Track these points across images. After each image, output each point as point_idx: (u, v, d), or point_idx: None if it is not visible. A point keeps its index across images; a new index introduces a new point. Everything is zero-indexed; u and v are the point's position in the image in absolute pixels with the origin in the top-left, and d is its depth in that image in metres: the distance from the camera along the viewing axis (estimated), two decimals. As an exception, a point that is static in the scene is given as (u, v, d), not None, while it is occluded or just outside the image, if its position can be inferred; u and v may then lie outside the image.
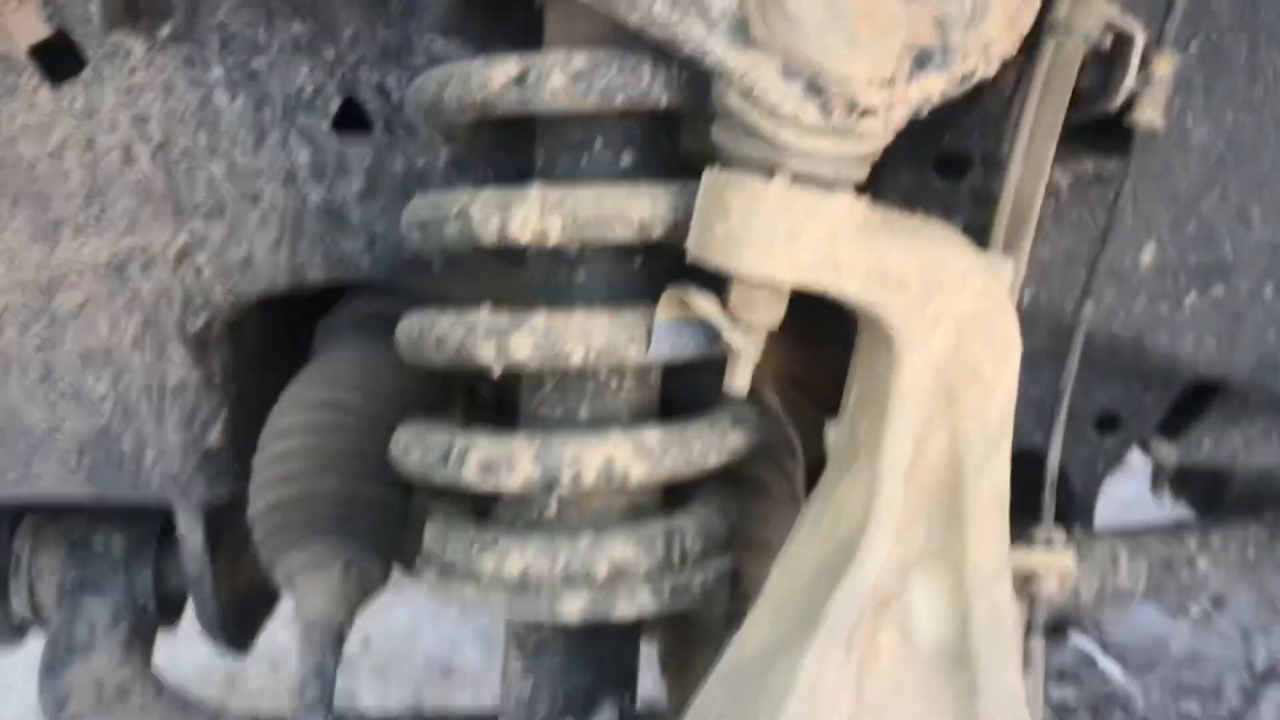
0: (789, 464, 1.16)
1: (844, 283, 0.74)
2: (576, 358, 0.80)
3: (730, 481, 0.97)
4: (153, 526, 1.33)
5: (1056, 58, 0.80)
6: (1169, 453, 1.32)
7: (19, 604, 1.32)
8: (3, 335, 1.08)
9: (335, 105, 1.02)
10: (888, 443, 0.75)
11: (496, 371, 0.82)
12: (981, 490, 0.75)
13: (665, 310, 0.79)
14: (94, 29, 0.99)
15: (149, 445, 1.14)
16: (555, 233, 0.79)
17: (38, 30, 1.00)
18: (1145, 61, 0.86)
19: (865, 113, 0.72)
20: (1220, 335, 1.13)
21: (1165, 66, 0.86)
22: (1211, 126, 1.04)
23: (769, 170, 0.74)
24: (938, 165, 0.99)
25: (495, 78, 0.78)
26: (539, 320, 0.80)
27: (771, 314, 0.77)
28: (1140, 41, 0.84)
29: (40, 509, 1.36)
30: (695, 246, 0.76)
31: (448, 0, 0.89)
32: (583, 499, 0.87)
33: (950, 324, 0.75)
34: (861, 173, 0.76)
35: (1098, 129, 0.92)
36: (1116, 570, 1.11)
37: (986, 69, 0.77)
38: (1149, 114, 0.87)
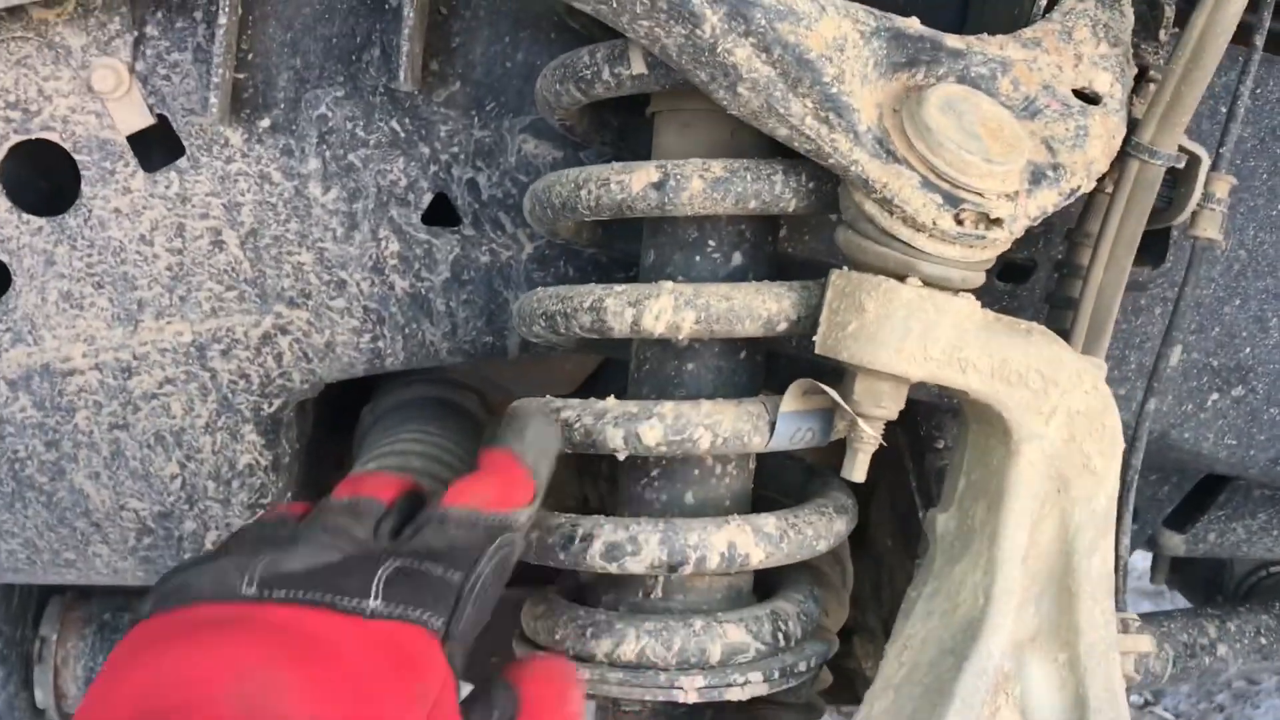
0: (842, 550, 1.21)
1: (969, 379, 0.79)
2: (704, 445, 0.84)
3: (806, 568, 1.01)
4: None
5: (1140, 176, 0.88)
6: (1177, 543, 1.39)
7: (43, 694, 1.29)
8: (76, 416, 1.08)
9: (427, 200, 1.06)
10: (1005, 528, 0.80)
11: (623, 456, 0.85)
12: (1092, 573, 0.80)
13: (791, 402, 0.83)
14: (197, 121, 1.02)
15: (212, 527, 1.14)
16: (687, 327, 0.83)
17: (140, 119, 1.02)
18: (1204, 182, 0.94)
19: (995, 223, 0.78)
20: (1239, 433, 1.21)
21: (1223, 188, 0.94)
22: (1235, 241, 1.14)
23: (900, 273, 0.79)
24: (1001, 272, 1.06)
25: (636, 182, 0.83)
26: (667, 409, 0.84)
27: (894, 407, 0.82)
28: (1207, 163, 0.93)
29: (67, 590, 1.34)
30: (825, 342, 0.81)
31: (556, 106, 0.94)
32: (689, 583, 0.90)
33: (1063, 418, 0.80)
34: (981, 278, 0.82)
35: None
36: (1149, 657, 1.17)
37: (1088, 185, 0.84)
38: (1208, 230, 0.95)
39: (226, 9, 0.96)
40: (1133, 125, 0.89)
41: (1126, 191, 0.89)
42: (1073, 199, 0.84)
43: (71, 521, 1.12)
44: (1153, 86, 0.93)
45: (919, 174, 0.77)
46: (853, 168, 0.77)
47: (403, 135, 1.05)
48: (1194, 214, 0.95)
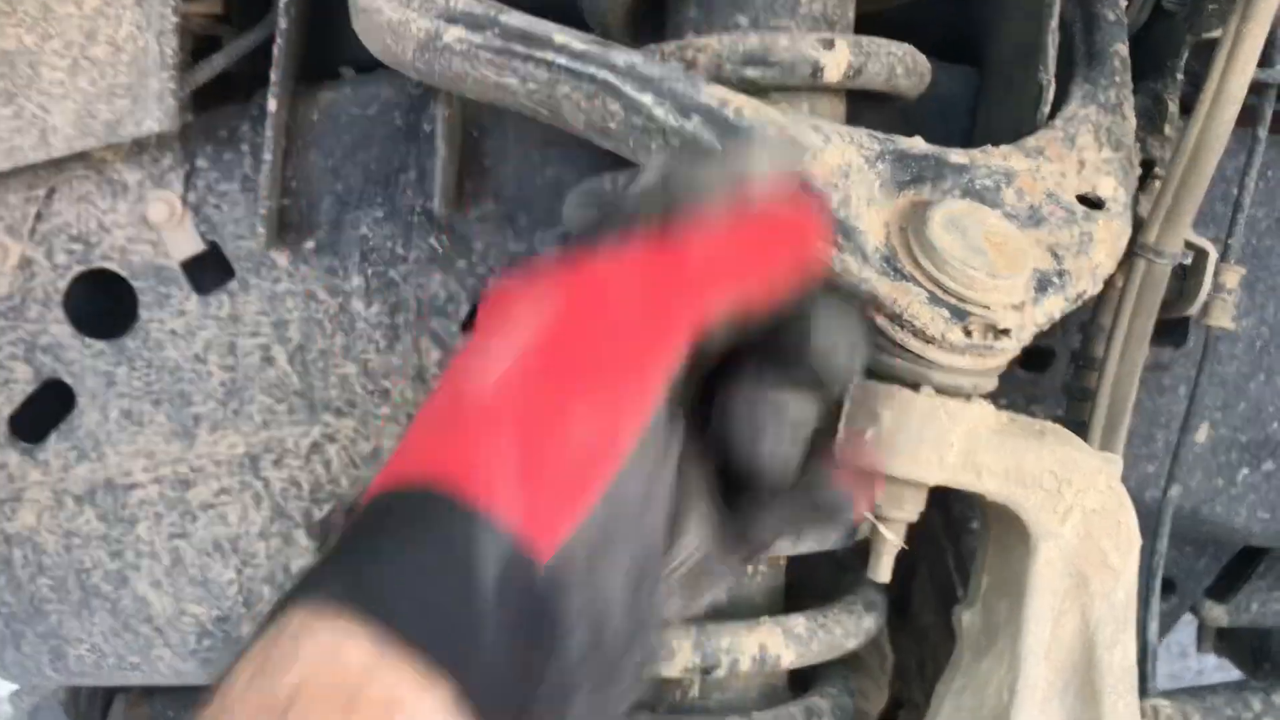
0: (878, 635, 1.23)
1: (985, 482, 0.82)
2: (733, 552, 0.87)
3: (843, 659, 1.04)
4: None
5: (1148, 275, 0.91)
6: (1219, 614, 1.40)
7: (110, 788, 1.34)
8: (138, 527, 1.14)
9: (465, 310, 1.11)
10: (1028, 625, 0.82)
11: None
12: (1114, 666, 0.82)
13: (815, 507, 0.86)
14: (246, 245, 1.08)
15: (268, 629, 1.19)
16: (712, 437, 0.87)
17: (192, 245, 1.09)
18: (1215, 272, 0.97)
19: (1003, 333, 0.81)
20: (1272, 506, 1.22)
21: (1233, 278, 0.97)
22: (1256, 318, 1.16)
23: (913, 382, 0.83)
24: (1023, 360, 1.09)
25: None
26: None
27: (915, 509, 0.85)
28: (1214, 257, 0.95)
29: (133, 688, 1.39)
30: (843, 450, 0.84)
31: (577, 220, 0.99)
32: (724, 682, 0.93)
33: (1079, 517, 0.83)
34: (993, 383, 0.85)
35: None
36: (1189, 735, 1.18)
37: (1094, 289, 0.87)
38: (1220, 320, 0.98)
39: (271, 146, 1.02)
40: (1139, 225, 0.92)
41: (1135, 290, 0.91)
42: (1079, 303, 0.86)
43: (135, 627, 1.17)
44: (1158, 183, 0.96)
45: (926, 290, 0.80)
46: (862, 285, 0.81)
47: (440, 251, 1.10)
48: (1205, 304, 0.97)
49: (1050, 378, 1.09)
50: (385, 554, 0.54)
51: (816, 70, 0.85)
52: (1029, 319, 0.83)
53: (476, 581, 0.53)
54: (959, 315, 0.81)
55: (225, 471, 1.13)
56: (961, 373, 0.82)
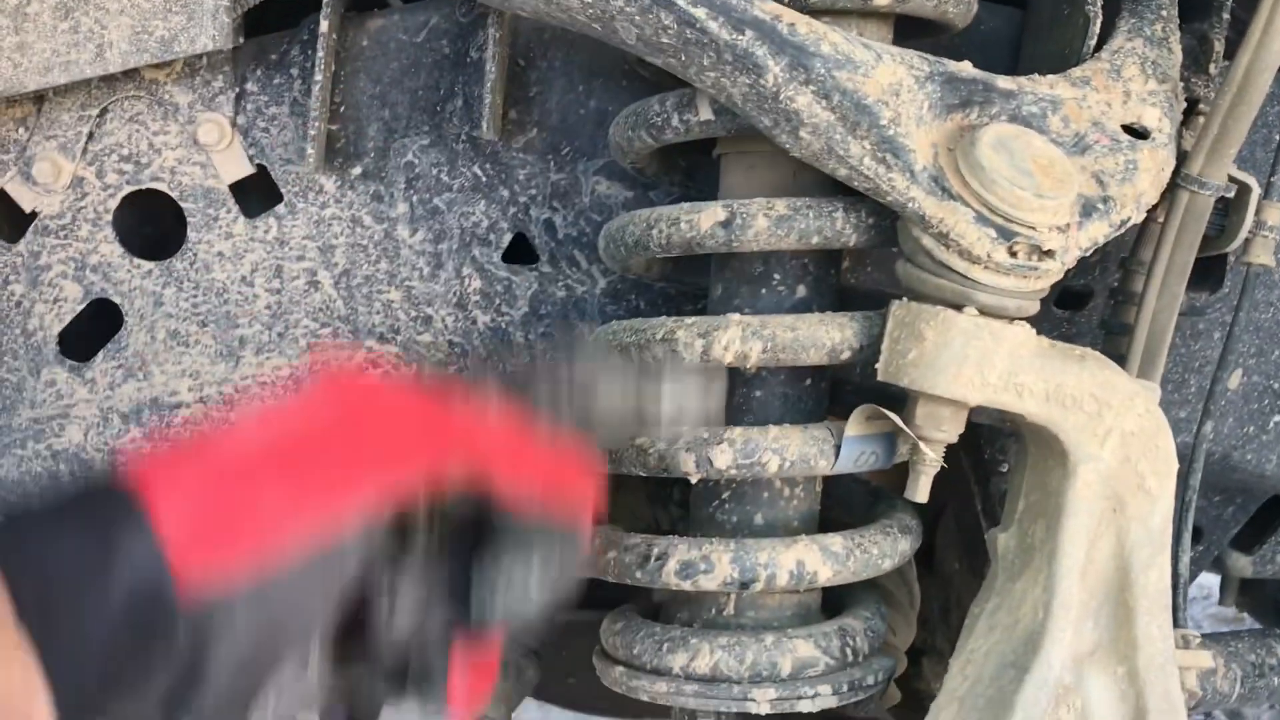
0: (908, 571, 1.24)
1: (1025, 403, 0.83)
2: (772, 468, 0.88)
3: (873, 586, 1.05)
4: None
5: (1190, 206, 0.91)
6: (1244, 565, 1.40)
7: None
8: (183, 446, 1.15)
9: (507, 239, 1.12)
10: (1064, 546, 0.83)
11: (694, 479, 0.90)
12: (1149, 588, 0.83)
13: (855, 426, 0.88)
14: (294, 170, 1.09)
15: (307, 551, 1.21)
16: (755, 356, 0.88)
17: (241, 168, 1.10)
18: (1256, 209, 0.97)
19: (1047, 254, 0.82)
20: (1303, 455, 1.23)
21: (1275, 215, 0.97)
22: (1294, 265, 1.16)
23: (958, 303, 0.84)
24: (1059, 299, 1.09)
25: (704, 221, 0.89)
26: (736, 434, 0.89)
27: (954, 430, 0.86)
28: (1257, 192, 0.96)
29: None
30: (887, 369, 0.86)
31: (629, 151, 0.99)
32: (759, 600, 0.94)
33: (1118, 440, 0.84)
34: (1036, 306, 0.86)
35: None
36: (1215, 676, 1.19)
37: (1138, 216, 0.88)
38: (1260, 257, 0.98)
39: (321, 67, 1.03)
40: (1182, 157, 0.92)
41: (1177, 222, 0.92)
42: (1123, 230, 0.87)
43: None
44: (1202, 119, 0.97)
45: (973, 210, 0.81)
46: (909, 204, 0.82)
47: (484, 180, 1.11)
48: (1246, 241, 0.98)
49: (1087, 316, 1.10)
50: (48, 522, 0.63)
51: (867, -7, 0.86)
52: (1073, 242, 0.83)
53: (113, 571, 0.60)
54: (1005, 235, 0.82)
55: (269, 394, 1.14)
56: (1006, 293, 0.83)
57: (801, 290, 0.94)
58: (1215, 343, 1.17)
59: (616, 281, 1.13)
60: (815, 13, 0.88)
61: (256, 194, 1.12)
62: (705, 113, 0.89)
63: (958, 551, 1.45)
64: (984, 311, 0.83)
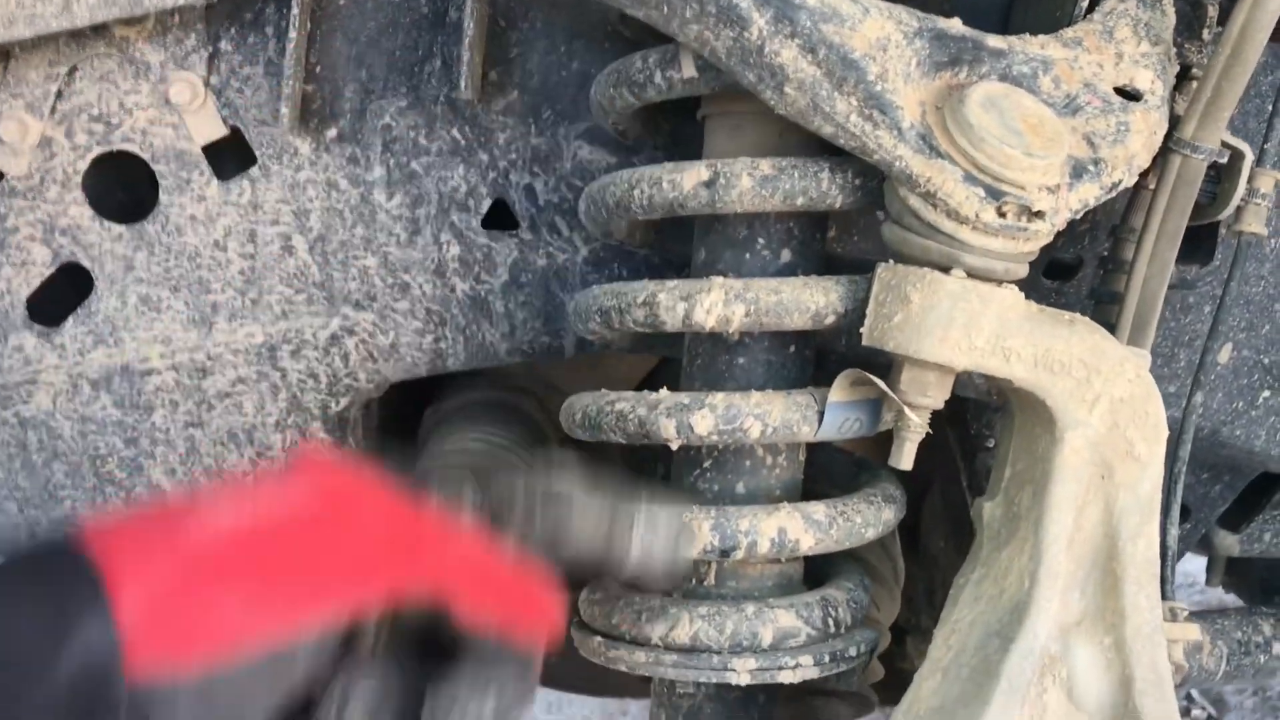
0: (892, 545, 1.23)
1: (1012, 367, 0.81)
2: (754, 434, 0.86)
3: (856, 559, 1.03)
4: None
5: (1182, 171, 0.89)
6: (1231, 543, 1.39)
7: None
8: (154, 414, 1.13)
9: (486, 205, 1.10)
10: (1050, 514, 0.82)
11: (675, 446, 0.88)
12: (1136, 558, 0.82)
13: (838, 392, 0.86)
14: (268, 131, 1.07)
15: (281, 523, 1.18)
16: (737, 320, 0.86)
17: (214, 129, 1.07)
18: (1249, 177, 0.96)
19: (1036, 215, 0.80)
20: (1290, 429, 1.21)
21: (1268, 183, 0.96)
22: (1288, 236, 1.14)
23: (945, 265, 0.82)
24: (1047, 269, 1.08)
25: (687, 180, 0.86)
26: (718, 400, 0.87)
27: (940, 396, 0.84)
28: (1250, 159, 0.94)
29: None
30: (871, 333, 0.84)
31: (610, 110, 0.97)
32: (740, 570, 0.93)
33: (1106, 406, 0.82)
34: (1024, 270, 0.84)
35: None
36: (1201, 653, 1.17)
37: (1129, 179, 0.86)
38: (1252, 225, 0.96)
39: (296, 25, 1.01)
40: (1175, 122, 0.90)
41: (1169, 187, 0.90)
42: (1114, 193, 0.85)
43: (149, 516, 1.17)
44: (1195, 84, 0.95)
45: (961, 168, 0.79)
46: (896, 163, 0.80)
47: (463, 143, 1.09)
48: (1239, 209, 0.96)
49: (1076, 287, 1.08)
50: (6, 585, 0.63)
51: (855, -55, 0.84)
52: (1063, 203, 0.82)
53: (64, 652, 0.60)
54: (994, 195, 0.80)
55: (242, 361, 1.12)
56: (994, 255, 0.82)
57: (786, 255, 0.93)
58: (1205, 316, 1.15)
59: (599, 249, 1.11)
60: (802, -32, 0.86)
61: (230, 156, 1.10)
62: (689, 69, 0.87)
63: (943, 530, 1.43)
64: (971, 274, 0.81)
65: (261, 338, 1.12)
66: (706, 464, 0.94)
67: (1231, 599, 1.61)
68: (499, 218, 1.11)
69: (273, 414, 1.14)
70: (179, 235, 1.09)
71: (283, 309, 1.11)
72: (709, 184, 0.86)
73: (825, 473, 1.01)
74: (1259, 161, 0.97)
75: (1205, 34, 1.02)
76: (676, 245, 1.04)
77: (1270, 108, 1.00)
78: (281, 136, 1.07)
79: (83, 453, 1.14)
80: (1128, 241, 0.96)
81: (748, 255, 0.92)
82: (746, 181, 0.85)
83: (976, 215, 0.79)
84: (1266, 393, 1.20)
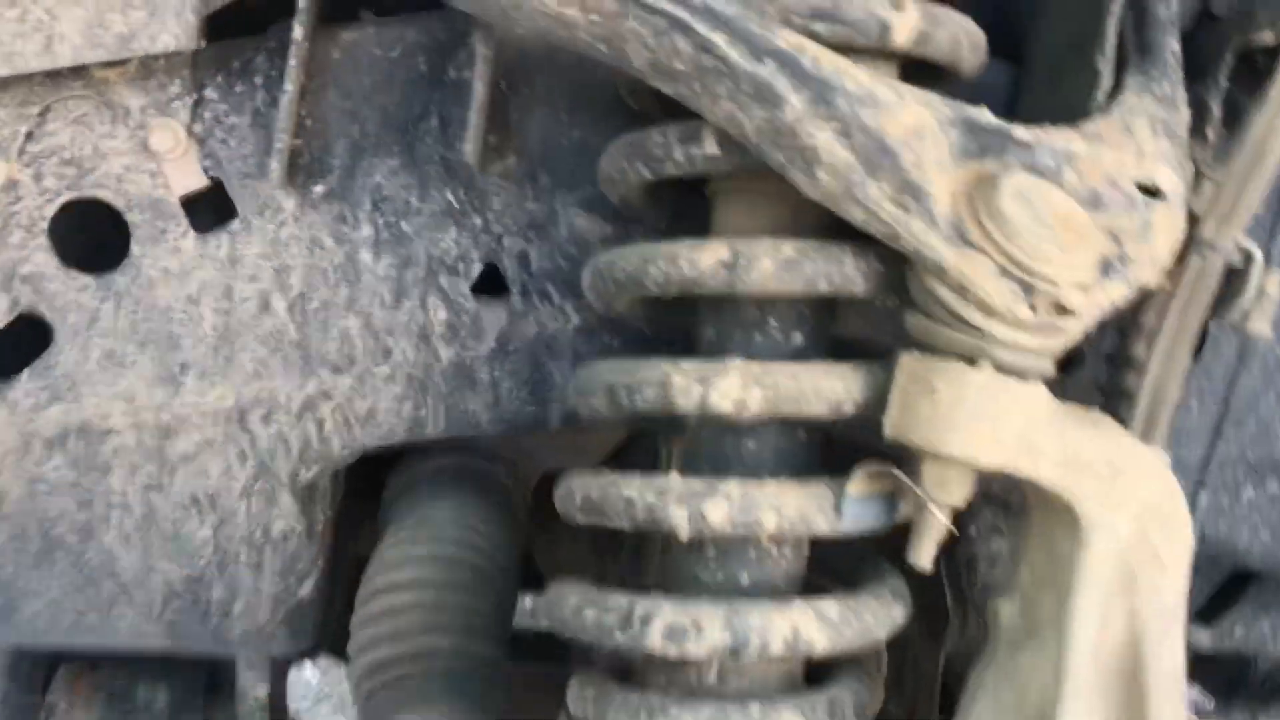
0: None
1: (1039, 467, 0.79)
2: (769, 526, 0.83)
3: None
4: (199, 679, 1.29)
5: (1200, 270, 0.88)
6: (1203, 638, 1.38)
7: (48, 763, 1.25)
8: (111, 476, 1.06)
9: (477, 270, 1.06)
10: (1075, 621, 0.79)
11: (686, 536, 0.84)
12: (1161, 667, 0.79)
13: (858, 485, 0.83)
14: (252, 185, 1.02)
15: (239, 596, 1.12)
16: (755, 405, 0.83)
17: (195, 180, 1.02)
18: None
19: (1067, 312, 0.78)
20: (1274, 530, 1.21)
21: (1274, 284, 0.95)
22: (1275, 334, 1.14)
23: (972, 358, 0.79)
24: (1049, 359, 1.06)
25: (705, 260, 0.83)
26: (733, 488, 0.83)
27: (962, 494, 0.81)
28: (1261, 260, 0.94)
29: (77, 656, 1.30)
30: (894, 426, 0.81)
31: (621, 183, 0.94)
32: (744, 667, 0.89)
33: (1132, 510, 0.80)
34: (1051, 368, 0.82)
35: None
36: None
37: (1154, 278, 0.85)
38: (1259, 325, 0.96)
39: (293, 77, 0.96)
40: (1191, 221, 0.90)
41: (1187, 286, 0.89)
42: (1138, 292, 0.84)
43: (98, 583, 1.10)
44: (1206, 184, 0.95)
45: (994, 261, 0.77)
46: (928, 252, 0.78)
47: (456, 206, 1.05)
48: (1247, 310, 0.96)
49: (1076, 380, 1.07)
50: None
51: (885, 31, 0.82)
52: (1094, 300, 0.80)
53: None
54: (1027, 289, 0.78)
55: (210, 423, 1.06)
56: (1023, 351, 0.80)
57: (798, 338, 0.90)
58: (1193, 412, 1.14)
59: (592, 319, 1.08)
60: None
61: (208, 209, 1.05)
62: (711, 147, 0.84)
63: (915, 616, 1.41)
64: (1000, 369, 0.79)
65: (232, 399, 1.06)
66: (711, 553, 0.90)
67: (1195, 692, 1.60)
68: (489, 283, 1.07)
69: (238, 480, 1.08)
70: (150, 289, 1.04)
71: (256, 370, 1.06)
72: (729, 264, 0.83)
73: (824, 563, 0.98)
74: (1265, 261, 0.96)
75: (1209, 133, 1.03)
76: (675, 321, 1.01)
77: (1274, 207, 1.01)
78: (266, 190, 1.02)
79: (30, 514, 1.07)
80: (1137, 338, 0.95)
81: (759, 336, 0.89)
82: (768, 264, 0.83)
83: (1009, 310, 0.77)
84: (1250, 490, 1.19)
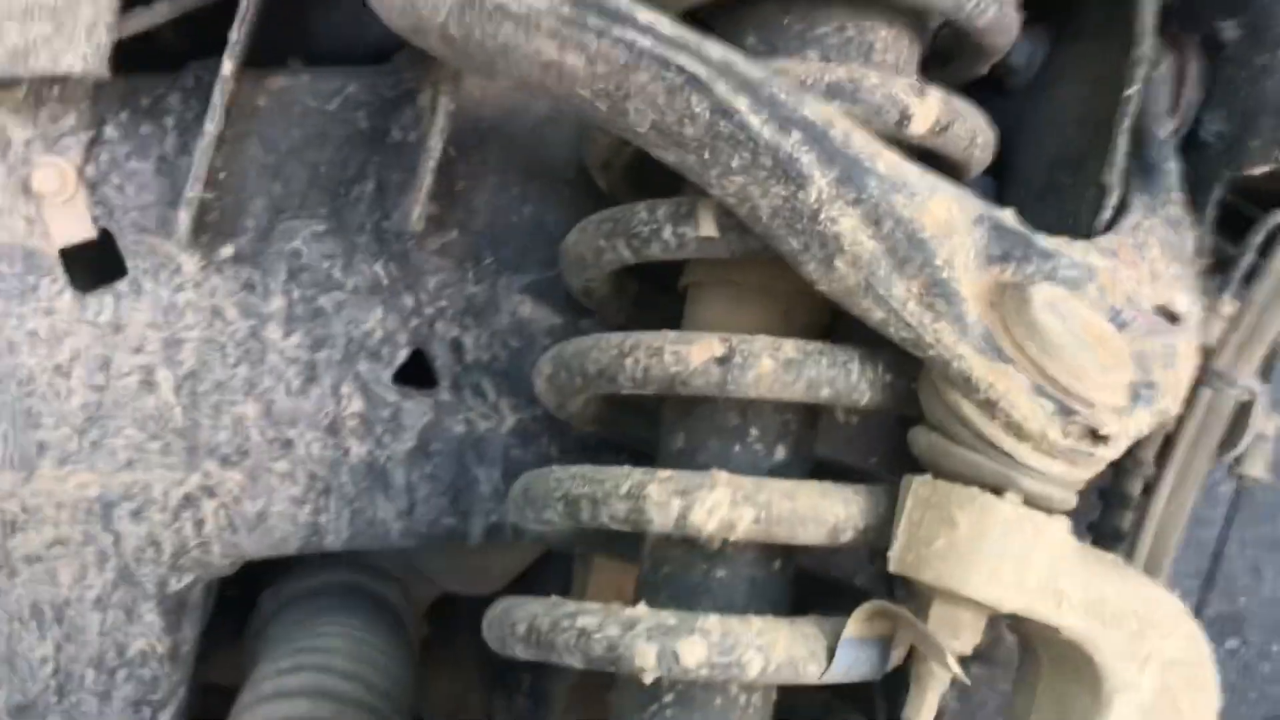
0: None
1: (1063, 614, 0.69)
2: (753, 671, 0.71)
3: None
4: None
5: (1213, 406, 0.82)
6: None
7: None
8: (-65, 575, 0.88)
9: (402, 356, 0.93)
10: (1098, 794, 0.69)
11: (650, 678, 0.71)
12: None
13: (855, 626, 0.72)
14: (147, 241, 0.88)
15: (81, 728, 0.93)
16: (743, 526, 0.71)
17: (80, 230, 0.88)
18: (1252, 418, 0.89)
19: (1101, 439, 0.70)
20: (1231, 688, 1.14)
21: (1270, 426, 0.89)
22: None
23: (996, 485, 0.70)
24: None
25: (695, 355, 0.73)
26: (712, 625, 0.71)
27: (971, 640, 0.71)
28: (1263, 401, 0.88)
29: None
30: (902, 559, 0.71)
31: (593, 264, 0.83)
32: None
33: (1158, 666, 0.71)
34: (1074, 501, 0.73)
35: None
36: None
37: (1175, 408, 0.78)
38: (1256, 468, 0.89)
39: (216, 117, 0.83)
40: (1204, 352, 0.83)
41: (1197, 421, 0.82)
42: (1161, 422, 0.77)
43: (-97, 708, 0.90)
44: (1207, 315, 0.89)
45: (1029, 378, 0.69)
46: (956, 363, 0.69)
47: (385, 282, 0.92)
48: (1243, 452, 0.89)
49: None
50: None
51: (905, 117, 0.74)
52: (1125, 427, 0.72)
53: None
54: (1063, 411, 0.69)
55: (67, 517, 0.89)
56: (1052, 481, 0.71)
57: (780, 452, 0.79)
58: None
59: (529, 420, 0.95)
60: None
61: (91, 265, 0.89)
62: (708, 228, 0.74)
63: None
64: (1027, 500, 0.70)
65: (96, 490, 0.89)
66: (668, 699, 0.77)
67: None
68: (415, 373, 0.94)
69: (94, 587, 0.91)
70: (11, 354, 0.88)
71: (130, 457, 0.90)
72: (723, 361, 0.72)
73: (789, 711, 0.86)
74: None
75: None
76: (628, 426, 0.90)
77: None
78: (165, 248, 0.88)
79: None
80: (1133, 474, 0.87)
81: (737, 447, 0.78)
82: (767, 364, 0.72)
83: (1043, 433, 0.68)
84: (1231, 641, 1.13)
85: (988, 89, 0.98)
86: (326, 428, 0.92)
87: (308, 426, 0.92)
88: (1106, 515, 0.89)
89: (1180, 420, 0.83)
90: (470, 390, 0.95)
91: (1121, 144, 0.86)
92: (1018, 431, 0.69)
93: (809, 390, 0.73)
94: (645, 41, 0.66)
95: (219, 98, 0.83)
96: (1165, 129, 0.94)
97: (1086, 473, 0.72)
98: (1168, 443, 0.84)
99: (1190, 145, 1.00)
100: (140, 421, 0.90)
